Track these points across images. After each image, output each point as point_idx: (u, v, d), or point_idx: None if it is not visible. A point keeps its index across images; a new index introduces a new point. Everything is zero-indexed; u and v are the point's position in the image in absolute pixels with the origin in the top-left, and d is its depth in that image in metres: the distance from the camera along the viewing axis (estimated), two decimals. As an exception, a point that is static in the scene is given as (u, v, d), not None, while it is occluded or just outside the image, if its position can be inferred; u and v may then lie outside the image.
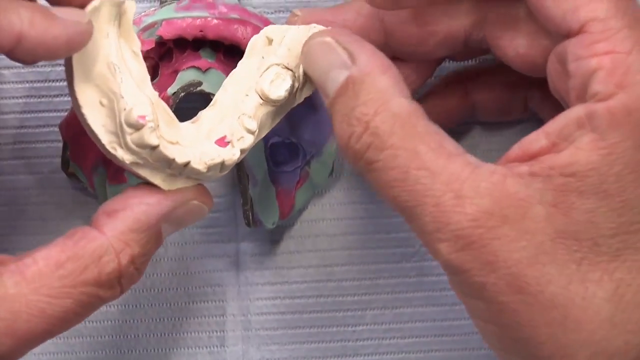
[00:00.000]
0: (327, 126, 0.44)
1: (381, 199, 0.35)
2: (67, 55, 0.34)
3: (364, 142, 0.34)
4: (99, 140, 0.35)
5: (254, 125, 0.37)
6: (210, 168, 0.36)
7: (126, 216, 0.35)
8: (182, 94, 0.42)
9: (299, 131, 0.45)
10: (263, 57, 0.38)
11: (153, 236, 0.36)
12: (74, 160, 0.43)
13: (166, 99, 0.42)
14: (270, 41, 0.38)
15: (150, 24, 0.42)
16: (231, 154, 0.37)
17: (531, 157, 0.34)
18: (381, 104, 0.34)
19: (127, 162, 0.35)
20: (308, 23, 0.38)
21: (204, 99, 0.41)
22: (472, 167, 0.33)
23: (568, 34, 0.34)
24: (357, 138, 0.34)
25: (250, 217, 0.44)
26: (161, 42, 0.42)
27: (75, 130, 0.42)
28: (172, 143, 0.36)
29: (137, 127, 0.34)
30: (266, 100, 0.37)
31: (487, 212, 0.33)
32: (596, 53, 0.33)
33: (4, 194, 0.46)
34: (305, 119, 0.44)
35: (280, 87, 0.37)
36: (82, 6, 0.34)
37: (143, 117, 0.34)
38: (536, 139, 0.34)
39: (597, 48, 0.33)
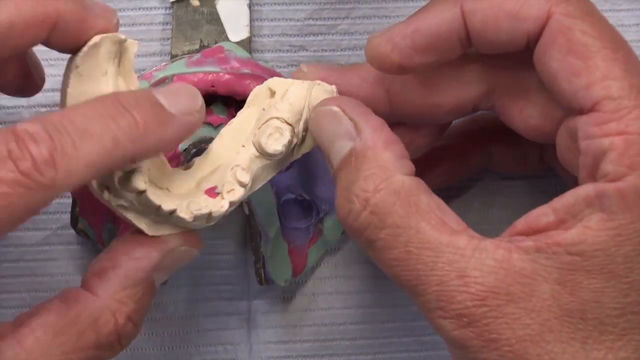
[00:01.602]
0: None
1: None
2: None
3: (362, 220, 0.34)
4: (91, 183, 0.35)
5: (246, 178, 0.36)
6: (196, 218, 0.36)
7: (116, 275, 0.35)
8: (194, 150, 0.41)
9: (312, 188, 0.44)
10: (264, 109, 0.37)
11: (146, 289, 0.36)
12: (83, 216, 0.43)
13: (177, 155, 0.41)
14: (272, 93, 0.38)
15: (161, 79, 0.42)
16: (219, 206, 0.36)
17: (537, 231, 0.34)
18: (382, 180, 0.34)
19: (114, 204, 0.35)
20: (313, 79, 0.38)
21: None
22: (475, 243, 0.33)
23: (580, 111, 0.34)
24: (355, 215, 0.34)
25: (263, 275, 0.43)
26: None
27: (84, 186, 0.41)
28: (161, 189, 0.35)
29: (124, 171, 0.34)
30: (262, 153, 0.37)
31: (492, 291, 0.33)
32: (608, 133, 0.33)
33: (13, 251, 0.45)
34: (319, 176, 0.44)
35: (278, 142, 0.37)
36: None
37: (133, 160, 0.34)
38: (544, 214, 0.34)
39: (609, 128, 0.33)
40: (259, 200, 0.42)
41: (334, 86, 0.38)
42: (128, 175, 0.34)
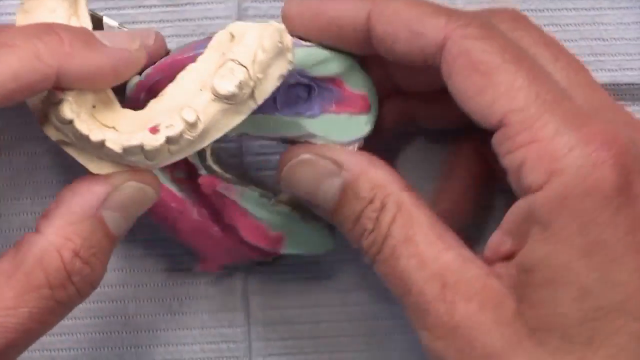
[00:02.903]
0: None
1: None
2: (115, 84, 0.34)
3: (372, 237, 0.35)
4: (35, 115, 0.35)
5: (191, 117, 0.35)
6: (127, 150, 0.35)
7: (61, 212, 0.35)
8: None
9: None
10: (223, 54, 0.37)
11: (95, 226, 0.35)
12: None
13: None
14: (233, 38, 0.37)
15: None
16: (153, 140, 0.35)
17: (504, 258, 0.34)
18: (384, 197, 0.35)
19: (54, 139, 0.35)
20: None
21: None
22: (462, 260, 0.34)
23: (492, 129, 0.34)
24: (367, 235, 0.35)
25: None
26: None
27: None
28: (106, 126, 0.35)
29: (56, 101, 0.34)
30: (217, 95, 0.36)
31: (467, 299, 0.33)
32: (521, 144, 0.33)
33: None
34: None
35: (230, 82, 0.35)
36: None
37: (61, 90, 0.34)
38: (502, 242, 0.35)
39: (520, 140, 0.33)
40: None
41: (282, 25, 0.37)
42: (57, 105, 0.34)
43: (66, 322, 0.45)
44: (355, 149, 0.39)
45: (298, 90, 0.39)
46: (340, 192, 0.36)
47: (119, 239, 0.37)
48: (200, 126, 0.35)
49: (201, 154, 0.40)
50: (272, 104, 0.39)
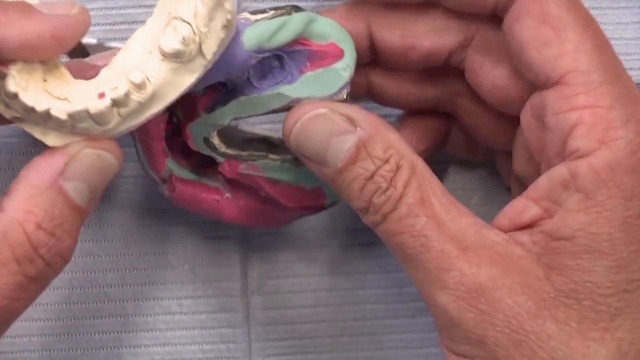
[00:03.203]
0: None
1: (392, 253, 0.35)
2: (60, 52, 0.34)
3: (386, 195, 0.35)
4: None
5: (137, 78, 0.35)
6: (73, 116, 0.35)
7: (20, 187, 0.35)
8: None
9: None
10: (169, 13, 0.36)
11: (56, 197, 0.35)
12: None
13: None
14: None
15: None
16: (99, 103, 0.35)
17: (526, 226, 0.34)
18: (400, 157, 0.35)
19: (8, 116, 0.35)
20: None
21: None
22: (479, 227, 0.34)
23: (547, 84, 0.34)
24: (380, 193, 0.35)
25: None
26: None
27: None
28: (58, 99, 0.35)
29: (1, 76, 0.34)
30: (164, 55, 0.36)
31: (490, 262, 0.33)
32: (576, 106, 0.33)
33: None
34: None
35: (174, 39, 0.35)
36: None
37: (5, 65, 0.34)
38: (526, 208, 0.34)
39: (578, 101, 0.33)
40: None
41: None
42: (2, 80, 0.34)
43: (65, 323, 0.45)
44: (345, 95, 0.38)
45: (270, 62, 0.39)
46: (354, 149, 0.35)
47: (86, 211, 0.36)
48: (150, 87, 0.36)
49: (209, 142, 0.40)
50: (249, 84, 0.39)
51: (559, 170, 0.33)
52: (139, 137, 0.40)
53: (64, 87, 0.35)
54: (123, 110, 0.35)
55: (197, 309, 0.46)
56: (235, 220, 0.42)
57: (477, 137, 0.41)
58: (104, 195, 0.39)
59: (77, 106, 0.35)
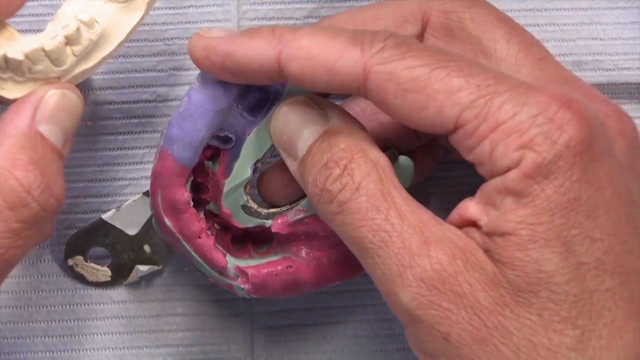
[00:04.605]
0: None
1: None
2: (9, 14, 0.36)
3: (339, 182, 0.35)
4: None
5: (85, 17, 0.37)
6: (30, 57, 0.36)
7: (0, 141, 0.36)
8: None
9: None
10: None
11: (36, 140, 0.36)
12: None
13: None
14: None
15: None
16: (53, 40, 0.36)
17: (471, 224, 0.34)
18: (359, 150, 0.35)
19: None
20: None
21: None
22: (437, 220, 0.34)
23: (449, 133, 0.34)
24: (333, 179, 0.35)
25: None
26: None
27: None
28: None
29: None
30: None
31: (451, 256, 0.33)
32: (484, 136, 0.33)
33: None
34: None
35: None
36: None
37: None
38: (470, 207, 0.34)
39: (482, 132, 0.33)
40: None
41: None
42: None
43: (68, 324, 0.45)
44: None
45: (254, 92, 0.39)
46: (318, 138, 0.36)
47: (63, 155, 0.37)
48: (98, 26, 0.37)
49: (249, 209, 0.41)
50: (246, 120, 0.39)
51: (494, 182, 0.33)
52: (192, 248, 0.41)
53: (15, 43, 0.37)
54: (76, 49, 0.37)
55: (199, 311, 0.46)
56: (317, 279, 0.41)
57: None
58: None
59: (32, 44, 0.36)
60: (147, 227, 0.44)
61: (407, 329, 0.34)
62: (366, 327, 0.47)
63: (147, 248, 0.44)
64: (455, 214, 0.35)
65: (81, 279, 0.45)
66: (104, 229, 0.44)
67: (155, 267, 0.45)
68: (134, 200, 0.44)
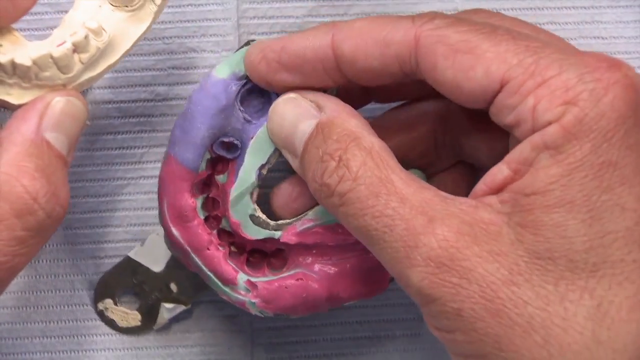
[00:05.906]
0: None
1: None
2: (16, 19, 0.36)
3: (336, 175, 0.35)
4: None
5: (93, 24, 0.37)
6: (38, 63, 0.36)
7: (5, 147, 0.35)
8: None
9: None
10: None
11: (42, 147, 0.36)
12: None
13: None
14: None
15: None
16: (61, 47, 0.36)
17: (498, 189, 0.34)
18: (352, 139, 0.35)
19: None
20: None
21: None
22: (442, 197, 0.34)
23: (495, 94, 0.34)
24: (330, 172, 0.35)
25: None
26: None
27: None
28: None
29: None
30: (114, 5, 0.38)
31: (457, 232, 0.32)
32: (529, 91, 0.33)
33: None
34: None
35: None
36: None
37: None
38: (499, 170, 0.34)
39: (527, 87, 0.33)
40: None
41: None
42: None
43: (66, 324, 0.45)
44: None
45: (255, 98, 0.39)
46: (312, 132, 0.36)
47: (68, 161, 0.37)
48: (106, 34, 0.37)
49: (257, 219, 0.40)
50: (250, 124, 0.39)
51: (532, 137, 0.33)
52: (202, 260, 0.40)
53: (21, 51, 0.36)
54: (84, 56, 0.37)
55: (199, 311, 0.46)
56: (330, 293, 0.41)
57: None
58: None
59: (40, 50, 0.36)
60: (172, 262, 0.44)
61: (422, 308, 0.34)
62: (366, 328, 0.47)
63: (173, 287, 0.45)
64: (481, 184, 0.34)
65: (112, 324, 0.46)
66: (131, 267, 0.45)
67: (183, 307, 0.45)
68: (157, 234, 0.44)
